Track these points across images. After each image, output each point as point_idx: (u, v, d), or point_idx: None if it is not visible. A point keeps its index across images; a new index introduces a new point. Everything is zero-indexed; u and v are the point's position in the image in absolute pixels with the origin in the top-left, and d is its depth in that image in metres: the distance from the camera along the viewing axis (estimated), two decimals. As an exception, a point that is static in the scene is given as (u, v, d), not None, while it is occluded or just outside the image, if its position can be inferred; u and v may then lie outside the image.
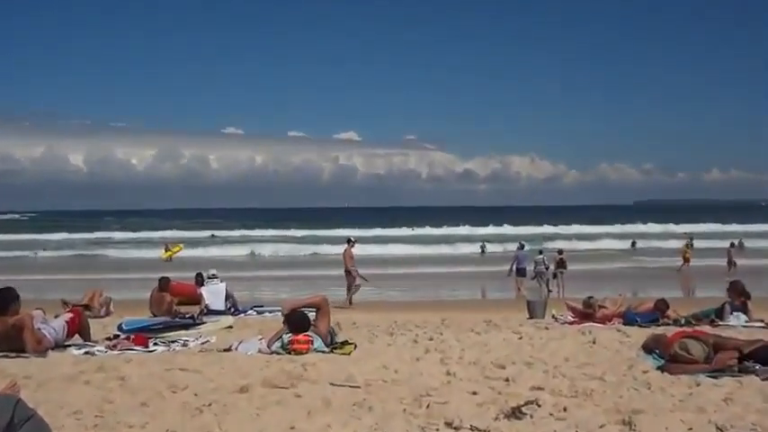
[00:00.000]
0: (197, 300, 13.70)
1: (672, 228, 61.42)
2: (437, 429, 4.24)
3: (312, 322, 7.42)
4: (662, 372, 5.93)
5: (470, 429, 4.19)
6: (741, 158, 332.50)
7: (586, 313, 11.27)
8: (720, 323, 10.11)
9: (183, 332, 9.56)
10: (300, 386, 5.36)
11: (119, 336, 8.66)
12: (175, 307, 12.83)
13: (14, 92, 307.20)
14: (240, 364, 6.37)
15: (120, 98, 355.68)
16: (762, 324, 10.05)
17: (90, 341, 8.13)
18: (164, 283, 13.39)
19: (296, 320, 7.33)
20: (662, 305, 10.91)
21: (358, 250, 19.32)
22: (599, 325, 10.44)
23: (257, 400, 4.94)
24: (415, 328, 10.18)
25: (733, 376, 5.60)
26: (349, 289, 18.16)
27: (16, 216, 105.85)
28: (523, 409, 4.53)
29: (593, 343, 7.92)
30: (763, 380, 5.43)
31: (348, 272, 18.29)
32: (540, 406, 4.63)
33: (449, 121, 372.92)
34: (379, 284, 21.91)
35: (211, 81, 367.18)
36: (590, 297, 11.73)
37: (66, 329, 7.93)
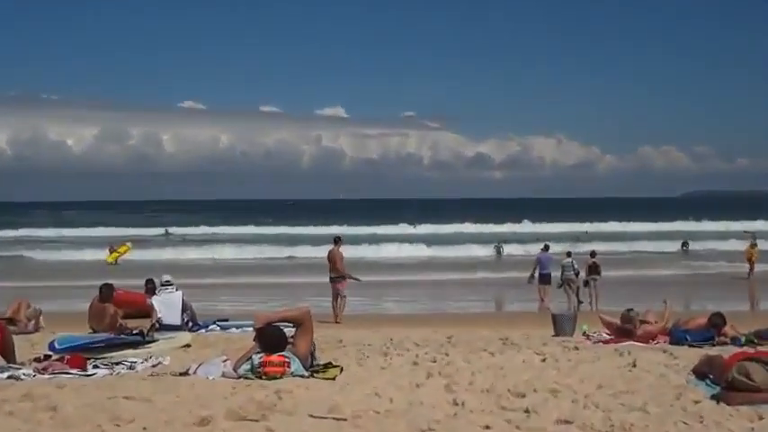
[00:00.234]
0: (147, 312, 13.69)
1: (730, 225, 61.68)
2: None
3: (290, 340, 7.42)
4: (717, 402, 5.97)
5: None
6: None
7: (625, 329, 11.30)
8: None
9: (129, 352, 9.58)
10: (273, 418, 5.36)
11: (50, 356, 8.64)
12: (120, 321, 12.79)
13: None
14: (200, 391, 6.36)
15: (54, 64, 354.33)
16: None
17: (15, 363, 8.10)
18: (106, 293, 13.32)
19: (270, 337, 7.33)
20: (717, 320, 10.93)
21: (344, 253, 19.26)
22: (640, 344, 10.49)
23: (220, 435, 4.94)
24: (415, 348, 10.21)
25: (804, 407, 5.62)
26: (335, 299, 18.06)
27: None
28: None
29: (633, 366, 7.96)
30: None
31: (336, 278, 18.19)
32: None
33: (456, 95, 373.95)
34: (371, 294, 21.89)
35: (166, 45, 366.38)
36: (629, 310, 11.76)
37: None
